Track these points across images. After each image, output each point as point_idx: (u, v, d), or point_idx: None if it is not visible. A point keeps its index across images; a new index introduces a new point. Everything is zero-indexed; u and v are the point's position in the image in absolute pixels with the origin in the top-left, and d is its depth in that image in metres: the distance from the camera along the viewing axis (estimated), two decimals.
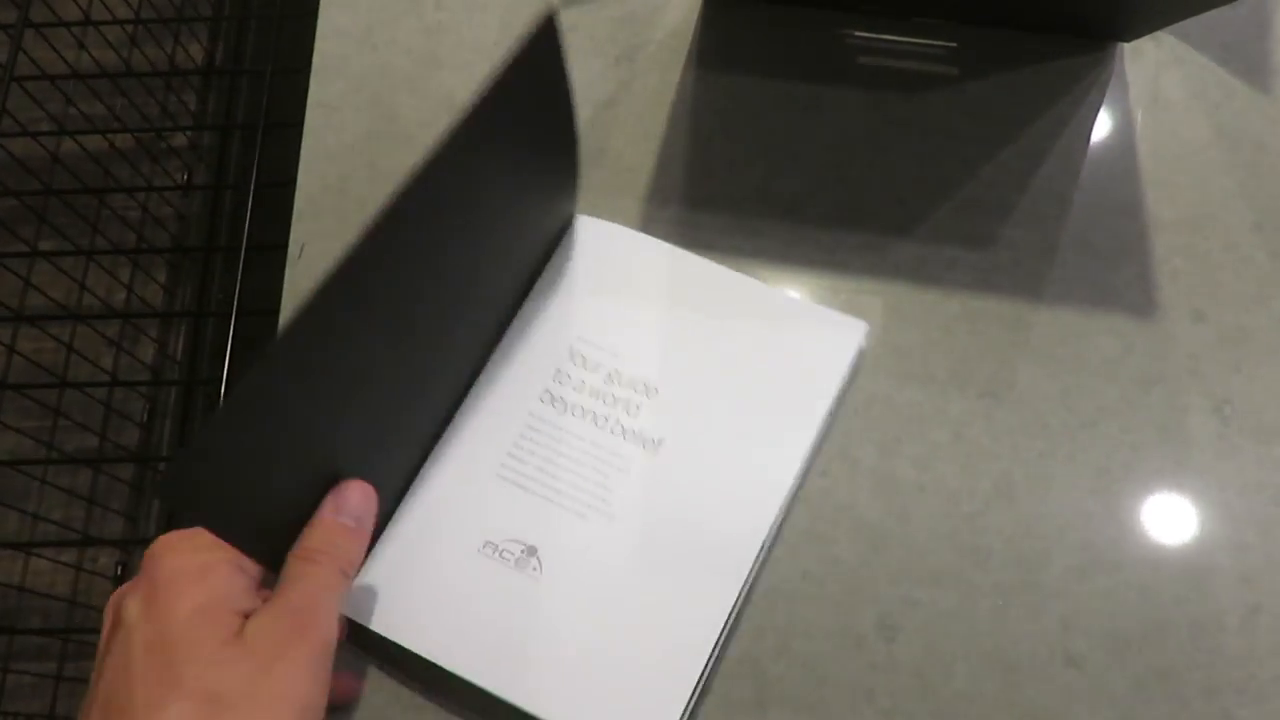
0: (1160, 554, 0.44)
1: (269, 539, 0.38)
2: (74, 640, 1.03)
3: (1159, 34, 0.51)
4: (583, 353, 0.47)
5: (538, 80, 0.40)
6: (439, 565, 0.44)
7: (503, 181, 0.42)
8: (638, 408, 0.46)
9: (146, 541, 1.05)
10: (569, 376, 0.47)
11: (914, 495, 0.46)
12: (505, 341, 0.48)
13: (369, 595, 0.43)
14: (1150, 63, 0.51)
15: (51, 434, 1.03)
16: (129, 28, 1.12)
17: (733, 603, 0.43)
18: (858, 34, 0.53)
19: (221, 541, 0.36)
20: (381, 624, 0.42)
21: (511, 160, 0.42)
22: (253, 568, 0.37)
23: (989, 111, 0.51)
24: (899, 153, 0.51)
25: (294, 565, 0.37)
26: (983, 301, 0.48)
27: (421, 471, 0.45)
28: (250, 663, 0.33)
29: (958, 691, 0.43)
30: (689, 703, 0.41)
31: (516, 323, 0.48)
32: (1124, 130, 0.51)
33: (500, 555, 0.44)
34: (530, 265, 0.49)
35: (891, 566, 0.45)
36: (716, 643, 0.42)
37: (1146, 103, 0.51)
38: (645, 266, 0.49)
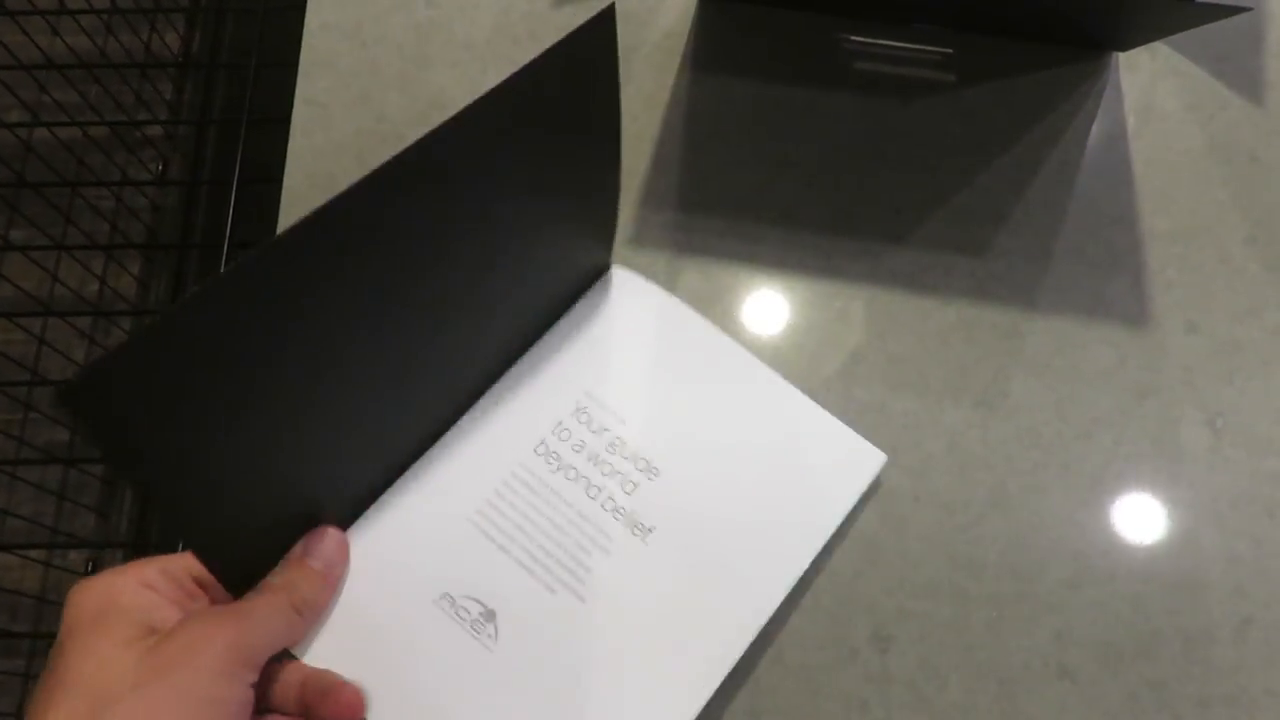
0: (1153, 566, 0.44)
1: (206, 514, 0.35)
2: (43, 639, 1.02)
3: (1154, 45, 0.51)
4: (589, 411, 0.45)
5: (582, 80, 0.37)
6: (390, 608, 0.40)
7: (525, 186, 0.38)
8: (635, 486, 0.44)
9: (118, 542, 1.04)
10: (569, 433, 0.44)
11: (908, 506, 0.45)
12: (509, 378, 0.45)
13: (318, 630, 0.40)
14: (1145, 74, 0.51)
15: (21, 428, 1.01)
16: (104, 15, 1.10)
17: (698, 709, 0.40)
18: (854, 39, 0.53)
19: (138, 563, 0.36)
20: (322, 662, 0.39)
21: (540, 163, 0.38)
22: (169, 587, 0.36)
23: (984, 119, 0.51)
24: (894, 159, 0.51)
25: (248, 594, 0.37)
26: (978, 310, 0.48)
27: (389, 495, 0.42)
28: (146, 665, 0.33)
29: (951, 702, 0.43)
30: None
31: (525, 361, 0.45)
32: (1118, 140, 0.51)
33: (456, 612, 0.41)
34: (550, 301, 0.46)
35: (886, 577, 0.44)
36: None
37: (1141, 113, 0.51)
38: (675, 335, 0.46)
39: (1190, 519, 0.45)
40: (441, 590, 0.41)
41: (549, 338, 0.46)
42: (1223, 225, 0.49)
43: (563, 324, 0.46)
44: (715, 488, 0.44)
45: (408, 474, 0.43)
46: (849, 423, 0.45)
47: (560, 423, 0.44)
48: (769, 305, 0.49)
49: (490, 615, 0.41)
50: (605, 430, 0.44)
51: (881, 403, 0.47)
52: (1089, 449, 0.46)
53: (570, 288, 0.46)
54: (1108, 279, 0.48)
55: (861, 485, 0.45)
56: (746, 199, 0.51)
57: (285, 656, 0.38)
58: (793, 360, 0.47)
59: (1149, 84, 0.51)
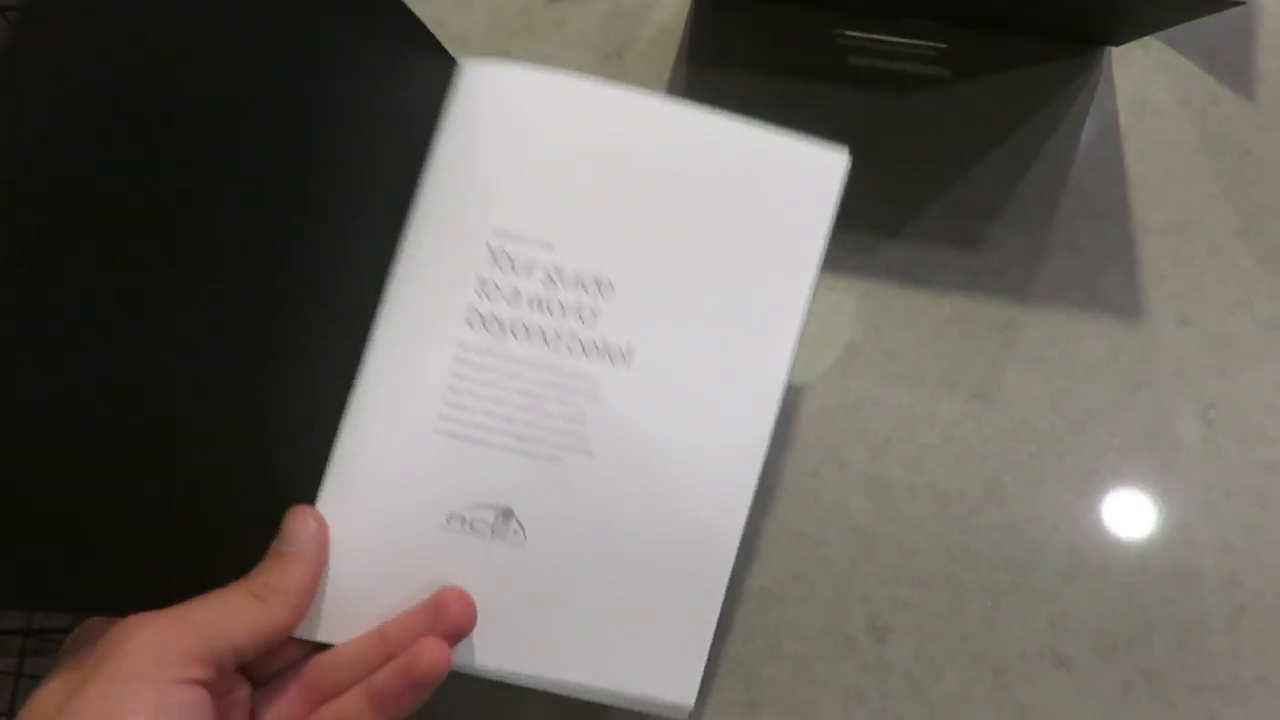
0: (1147, 555, 0.45)
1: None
2: (35, 637, 1.01)
3: (1147, 39, 0.51)
4: (507, 251, 0.37)
5: None
6: (399, 554, 0.37)
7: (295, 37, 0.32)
8: (594, 313, 0.37)
9: None
10: (497, 287, 0.37)
11: (904, 496, 0.46)
12: (404, 258, 0.38)
13: (317, 612, 0.36)
14: (1138, 68, 0.52)
15: None
16: None
17: (746, 512, 0.37)
18: (849, 33, 0.53)
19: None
20: (337, 636, 0.36)
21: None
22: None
23: (979, 113, 0.52)
24: (889, 152, 0.51)
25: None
26: (972, 303, 0.48)
27: (341, 445, 0.37)
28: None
29: (948, 692, 0.43)
30: (716, 624, 0.37)
31: (411, 229, 0.38)
32: (1111, 134, 0.51)
33: (471, 527, 0.37)
34: (400, 142, 0.38)
35: (882, 568, 0.45)
36: (734, 557, 0.38)
37: (1134, 108, 0.51)
38: (565, 116, 0.38)
39: (1183, 509, 0.45)
40: (445, 513, 0.37)
41: (426, 192, 0.38)
42: (1214, 219, 0.49)
43: (434, 165, 0.38)
44: (679, 270, 0.38)
45: (350, 414, 0.37)
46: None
47: (481, 280, 0.37)
48: None
49: (508, 514, 0.37)
50: (534, 266, 0.37)
51: (877, 395, 0.47)
52: (1083, 440, 0.46)
53: (419, 110, 0.38)
54: (1101, 272, 0.49)
55: (831, 195, 0.39)
56: None
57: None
58: None
59: (1141, 79, 0.51)
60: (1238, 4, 0.37)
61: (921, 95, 0.52)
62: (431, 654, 0.34)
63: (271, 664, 0.36)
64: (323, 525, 0.36)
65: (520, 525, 0.37)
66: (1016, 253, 0.49)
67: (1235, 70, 0.50)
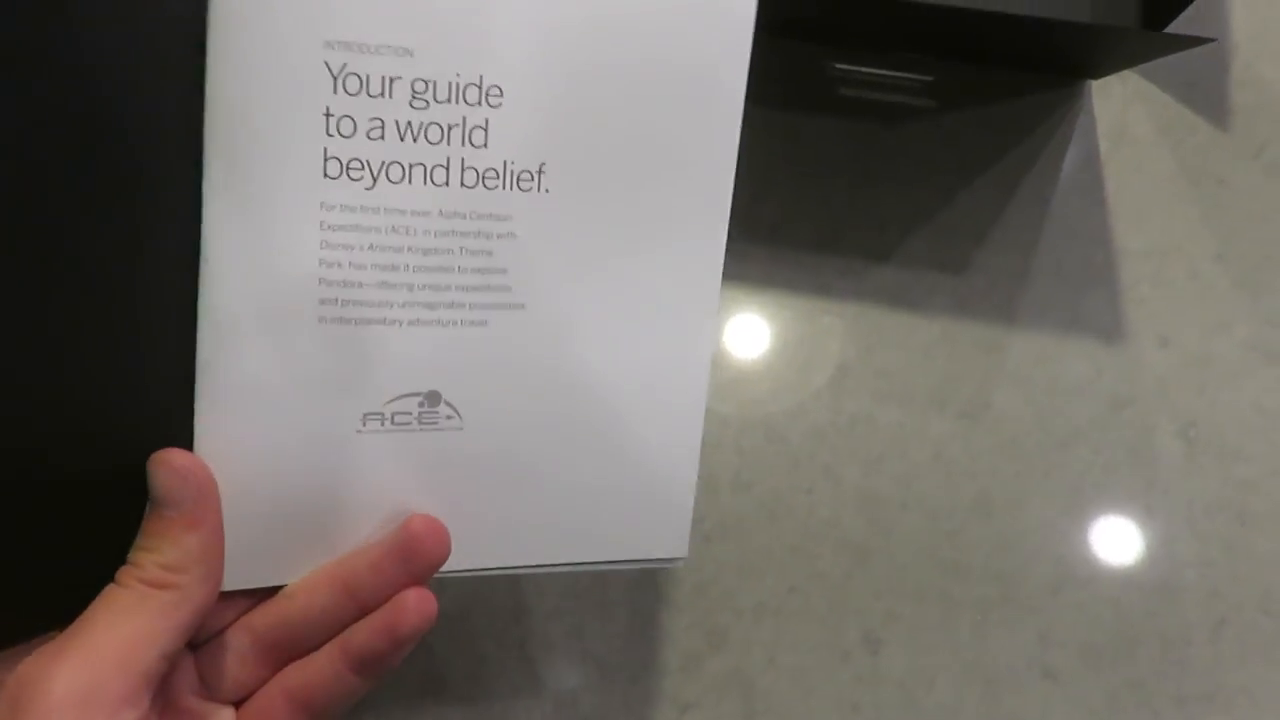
0: (1131, 569, 0.46)
1: None
2: None
3: (1125, 73, 0.53)
4: (351, 68, 0.28)
5: None
6: (315, 476, 0.30)
7: None
8: (483, 128, 0.29)
9: None
10: (350, 119, 0.28)
11: (896, 512, 0.47)
12: (212, 100, 0.28)
13: (235, 558, 0.30)
14: (1117, 99, 0.53)
15: None
16: None
17: (711, 336, 0.33)
18: (838, 66, 0.55)
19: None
20: (271, 577, 0.31)
21: None
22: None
23: (965, 142, 0.53)
24: (878, 181, 0.53)
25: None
26: (960, 325, 0.50)
27: (198, 360, 0.29)
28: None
29: (939, 703, 0.44)
30: (697, 463, 0.34)
31: (211, 68, 0.27)
32: (1092, 163, 0.53)
33: (394, 422, 0.31)
34: None
35: (875, 581, 0.46)
36: (706, 387, 0.33)
37: (1114, 137, 0.53)
38: None
39: (1166, 525, 0.47)
40: (359, 414, 0.30)
41: (216, 11, 0.27)
42: (1192, 244, 0.51)
43: None
44: (580, 65, 0.30)
45: (204, 322, 0.29)
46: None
47: (328, 112, 0.28)
48: (757, 322, 0.50)
49: (434, 397, 0.31)
50: (393, 81, 0.28)
51: (870, 414, 0.49)
52: (1068, 458, 0.48)
53: None
54: (1083, 295, 0.50)
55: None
56: (734, 218, 0.52)
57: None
58: (783, 374, 0.49)
59: (1121, 110, 0.53)
60: (1209, 41, 0.39)
61: (909, 125, 0.54)
62: (417, 609, 0.30)
63: (208, 627, 0.31)
64: (198, 467, 0.29)
65: (452, 407, 0.31)
66: (1002, 276, 0.51)
67: (1210, 102, 0.52)
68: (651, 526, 0.34)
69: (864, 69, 0.55)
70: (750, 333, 0.50)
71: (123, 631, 0.27)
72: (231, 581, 0.30)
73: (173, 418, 0.29)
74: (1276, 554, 0.46)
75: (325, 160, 0.28)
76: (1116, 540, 0.47)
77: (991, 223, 0.52)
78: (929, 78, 0.55)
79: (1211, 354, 0.49)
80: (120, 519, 0.29)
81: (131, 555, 0.28)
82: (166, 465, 0.28)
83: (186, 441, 0.29)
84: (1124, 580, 0.46)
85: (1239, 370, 0.49)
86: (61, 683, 0.25)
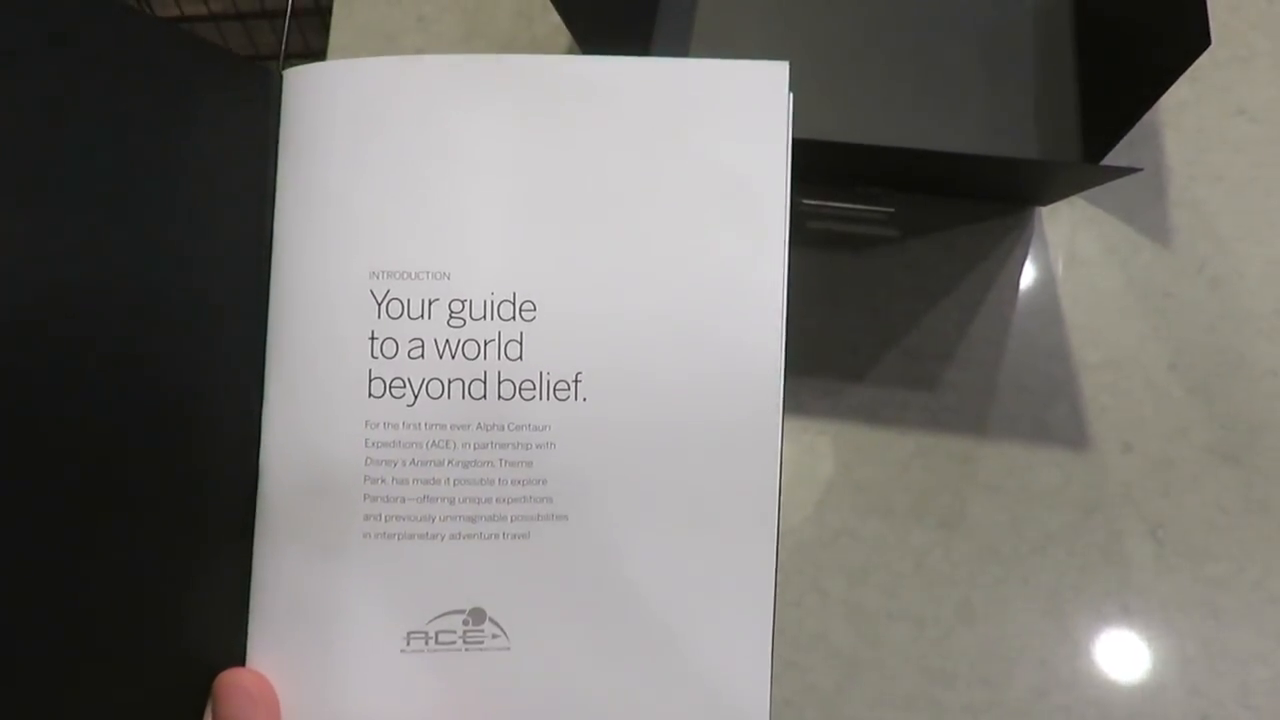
0: (1112, 670, 0.48)
1: None
2: None
3: (1072, 199, 0.57)
4: (393, 294, 0.30)
5: None
6: (358, 698, 0.30)
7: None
8: (518, 342, 0.30)
9: None
10: (392, 341, 0.30)
11: (883, 622, 0.49)
12: (274, 331, 0.30)
13: None
14: (1066, 223, 0.58)
15: None
16: None
17: (775, 529, 0.31)
18: (806, 201, 0.59)
19: None
20: None
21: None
22: None
23: (927, 267, 0.57)
24: (849, 305, 0.56)
25: None
26: (934, 439, 0.53)
27: (253, 582, 0.30)
28: None
29: None
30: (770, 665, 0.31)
31: (272, 287, 0.30)
32: (1047, 282, 0.57)
33: (439, 641, 0.30)
34: (245, 199, 0.31)
35: (865, 692, 0.47)
36: (774, 576, 0.32)
37: (1065, 258, 0.57)
38: (420, 101, 0.30)
39: (1143, 624, 0.49)
40: (402, 633, 0.30)
41: (276, 246, 0.30)
42: (1146, 355, 0.54)
43: (280, 210, 0.31)
44: (614, 261, 0.30)
45: (259, 544, 0.30)
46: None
47: (372, 335, 0.30)
48: None
49: (479, 615, 0.30)
50: (431, 304, 0.30)
51: (852, 528, 0.51)
52: (1044, 562, 0.50)
53: (242, 145, 0.30)
54: (1048, 406, 0.53)
55: (780, 111, 0.31)
56: None
57: None
58: None
59: (1070, 233, 0.57)
60: (1136, 170, 0.43)
61: (875, 253, 0.58)
62: None
63: None
64: (268, 690, 0.29)
65: (498, 625, 0.30)
66: (970, 392, 0.54)
67: (1151, 223, 0.56)
68: None
69: (831, 203, 0.59)
70: None
71: None
72: None
73: (225, 633, 0.30)
74: (1251, 649, 0.48)
75: (370, 381, 0.30)
76: (1096, 641, 0.48)
77: (957, 341, 0.55)
78: (891, 209, 0.59)
79: (1173, 458, 0.52)
80: None
81: None
82: (239, 689, 0.28)
83: (240, 658, 0.30)
84: (1106, 682, 0.48)
85: (1200, 472, 0.52)
86: None
